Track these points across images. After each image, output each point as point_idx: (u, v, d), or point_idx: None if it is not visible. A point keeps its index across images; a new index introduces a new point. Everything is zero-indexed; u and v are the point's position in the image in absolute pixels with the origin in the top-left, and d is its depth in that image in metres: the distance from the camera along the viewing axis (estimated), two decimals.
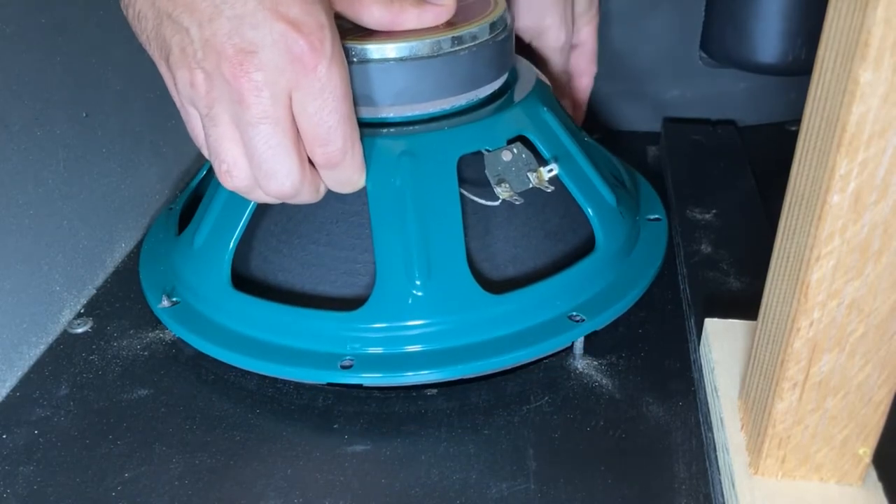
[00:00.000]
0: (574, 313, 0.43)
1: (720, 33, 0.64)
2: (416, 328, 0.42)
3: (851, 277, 0.28)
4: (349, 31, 0.43)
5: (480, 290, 0.42)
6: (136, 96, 0.54)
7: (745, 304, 0.39)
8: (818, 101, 0.28)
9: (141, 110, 0.55)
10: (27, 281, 0.44)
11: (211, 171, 0.54)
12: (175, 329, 0.45)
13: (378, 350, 0.42)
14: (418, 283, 0.41)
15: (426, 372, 0.41)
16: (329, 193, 0.45)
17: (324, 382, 0.41)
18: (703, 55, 0.66)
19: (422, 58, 0.42)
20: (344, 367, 0.41)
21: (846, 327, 0.29)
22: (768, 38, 0.61)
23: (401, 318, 0.41)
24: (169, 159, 0.59)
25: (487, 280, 0.43)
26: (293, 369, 0.41)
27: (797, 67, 0.61)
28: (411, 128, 0.43)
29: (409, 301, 0.41)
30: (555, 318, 0.43)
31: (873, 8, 0.23)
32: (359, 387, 0.42)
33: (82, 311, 0.49)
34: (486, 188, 0.42)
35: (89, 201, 0.50)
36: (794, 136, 0.30)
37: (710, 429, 0.38)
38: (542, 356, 0.43)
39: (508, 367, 0.42)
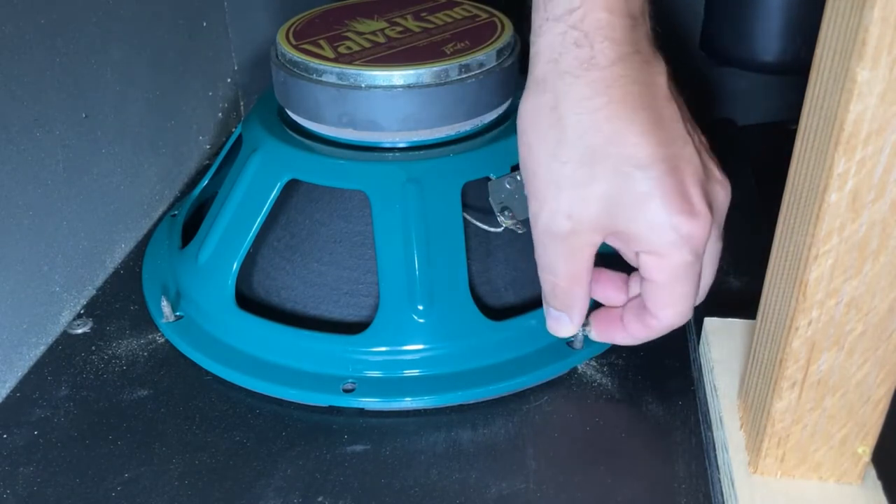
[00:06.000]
0: (572, 339, 0.44)
1: (719, 32, 0.64)
2: (417, 353, 0.42)
3: (850, 276, 0.28)
4: (356, 54, 0.43)
5: (481, 316, 0.42)
6: (135, 97, 0.54)
7: (744, 303, 0.39)
8: (816, 99, 0.28)
9: (140, 111, 0.55)
10: (27, 282, 0.44)
11: (215, 178, 0.54)
12: (178, 344, 0.45)
13: (379, 374, 0.42)
14: (420, 308, 0.41)
15: (427, 398, 0.41)
16: (333, 212, 0.45)
17: (325, 405, 0.42)
18: (703, 55, 0.66)
19: (428, 85, 0.42)
20: (346, 391, 0.41)
21: (845, 326, 0.29)
22: (767, 36, 0.61)
23: (402, 343, 0.42)
24: (168, 159, 0.59)
25: (487, 305, 0.44)
26: (296, 391, 0.42)
27: (796, 66, 0.61)
28: (417, 153, 0.43)
29: (411, 326, 0.42)
30: (553, 343, 0.43)
31: (871, 7, 0.23)
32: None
33: (82, 311, 0.49)
34: (489, 213, 0.42)
35: (89, 202, 0.50)
36: (793, 135, 0.30)
37: (710, 428, 0.38)
38: (540, 382, 0.43)
39: (507, 393, 0.42)
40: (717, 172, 0.37)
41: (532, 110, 0.36)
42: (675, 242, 0.34)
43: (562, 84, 0.34)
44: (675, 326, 0.38)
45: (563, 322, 0.39)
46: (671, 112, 0.35)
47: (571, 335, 0.40)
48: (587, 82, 0.34)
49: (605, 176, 0.34)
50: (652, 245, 0.35)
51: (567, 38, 0.34)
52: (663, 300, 0.37)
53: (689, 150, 0.35)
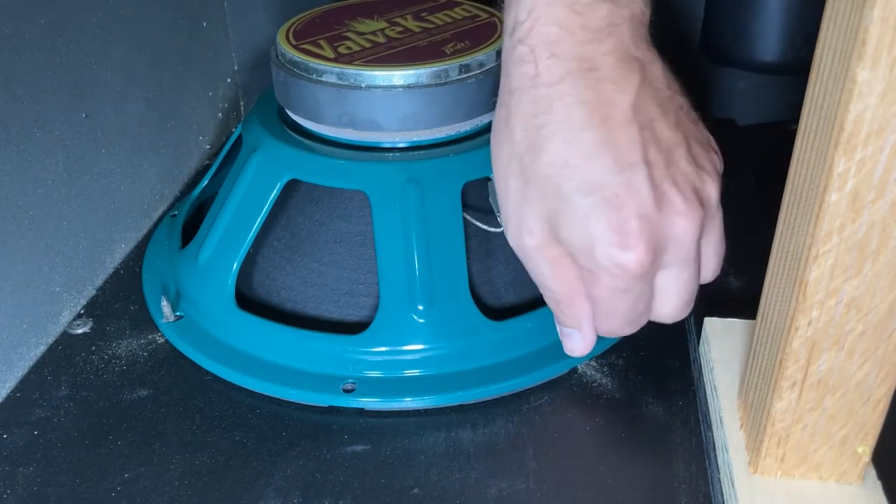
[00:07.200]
0: None
1: (719, 32, 0.64)
2: (417, 353, 0.42)
3: (850, 276, 0.28)
4: (356, 54, 0.43)
5: (481, 316, 0.42)
6: (135, 97, 0.54)
7: (744, 303, 0.39)
8: (816, 99, 0.28)
9: (140, 110, 0.55)
10: (27, 282, 0.44)
11: (215, 178, 0.54)
12: (178, 344, 0.45)
13: (379, 374, 0.42)
14: (420, 308, 0.41)
15: (427, 398, 0.41)
16: (333, 212, 0.45)
17: (325, 405, 0.42)
18: (703, 55, 0.66)
19: (428, 85, 0.42)
20: (346, 391, 0.41)
21: (845, 326, 0.29)
22: (767, 36, 0.61)
23: (402, 343, 0.42)
24: (168, 159, 0.59)
25: (487, 305, 0.44)
26: (296, 391, 0.42)
27: (797, 66, 0.61)
28: (417, 153, 0.43)
29: (411, 326, 0.42)
30: (554, 343, 0.43)
31: (871, 7, 0.23)
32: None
33: (82, 311, 0.49)
34: (489, 213, 0.42)
35: (89, 202, 0.50)
36: (793, 135, 0.30)
37: (710, 428, 0.38)
38: (540, 382, 0.43)
39: (508, 393, 0.42)
40: (706, 173, 0.35)
41: (494, 125, 0.36)
42: (607, 269, 0.34)
43: (511, 100, 0.34)
44: (613, 336, 0.40)
45: (575, 339, 0.39)
46: (627, 135, 0.32)
47: (587, 353, 0.40)
48: (531, 100, 0.33)
49: (543, 194, 0.34)
50: (587, 263, 0.34)
51: (515, 54, 0.33)
52: (598, 314, 0.37)
53: (638, 179, 0.32)
